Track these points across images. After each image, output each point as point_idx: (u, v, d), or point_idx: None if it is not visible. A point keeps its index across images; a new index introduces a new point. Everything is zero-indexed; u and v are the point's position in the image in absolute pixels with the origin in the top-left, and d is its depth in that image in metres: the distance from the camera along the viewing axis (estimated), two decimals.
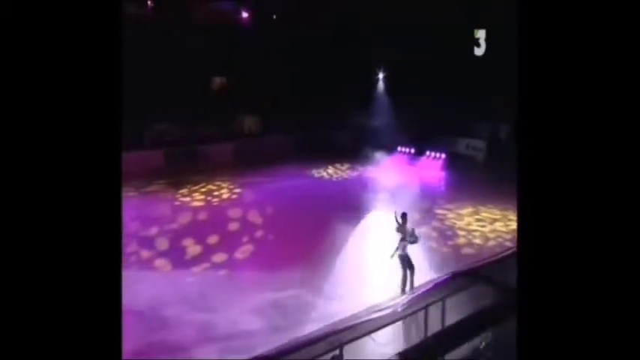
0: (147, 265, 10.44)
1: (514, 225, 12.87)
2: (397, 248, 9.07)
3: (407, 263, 9.05)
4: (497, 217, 13.69)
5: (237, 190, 16.48)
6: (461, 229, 12.84)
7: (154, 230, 12.39)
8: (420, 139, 20.31)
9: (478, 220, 13.56)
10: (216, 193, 16.23)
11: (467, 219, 13.61)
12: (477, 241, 12.10)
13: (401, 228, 9.17)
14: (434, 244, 11.51)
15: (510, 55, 3.16)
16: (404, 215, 9.29)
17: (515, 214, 12.59)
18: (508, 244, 11.51)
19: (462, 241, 12.04)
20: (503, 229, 12.83)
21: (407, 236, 9.10)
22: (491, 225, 13.16)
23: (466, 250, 11.40)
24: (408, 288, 8.88)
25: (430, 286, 7.86)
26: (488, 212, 14.07)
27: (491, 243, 11.94)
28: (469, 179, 17.83)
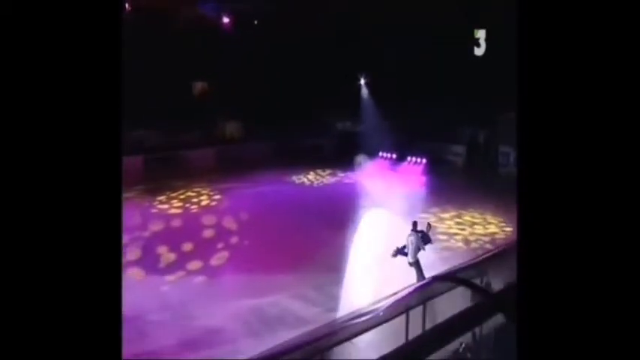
0: (125, 272, 10.25)
1: (493, 228, 13.06)
2: (412, 255, 9.34)
3: (419, 269, 9.30)
4: (477, 220, 13.84)
5: (217, 197, 16.34)
6: (442, 232, 12.92)
7: (138, 237, 12.19)
8: (401, 145, 20.41)
9: (458, 223, 13.69)
10: (195, 200, 16.05)
11: (447, 222, 13.72)
12: (458, 244, 12.21)
13: (415, 236, 9.41)
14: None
15: (510, 55, 3.11)
16: (414, 223, 9.61)
17: (494, 217, 12.71)
18: (488, 246, 11.64)
19: (443, 244, 12.12)
20: (482, 231, 12.98)
21: (418, 243, 9.38)
22: (470, 228, 13.29)
23: (446, 254, 11.47)
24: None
25: (411, 289, 7.87)
26: (468, 215, 14.21)
27: (472, 245, 12.06)
28: (449, 184, 17.95)
